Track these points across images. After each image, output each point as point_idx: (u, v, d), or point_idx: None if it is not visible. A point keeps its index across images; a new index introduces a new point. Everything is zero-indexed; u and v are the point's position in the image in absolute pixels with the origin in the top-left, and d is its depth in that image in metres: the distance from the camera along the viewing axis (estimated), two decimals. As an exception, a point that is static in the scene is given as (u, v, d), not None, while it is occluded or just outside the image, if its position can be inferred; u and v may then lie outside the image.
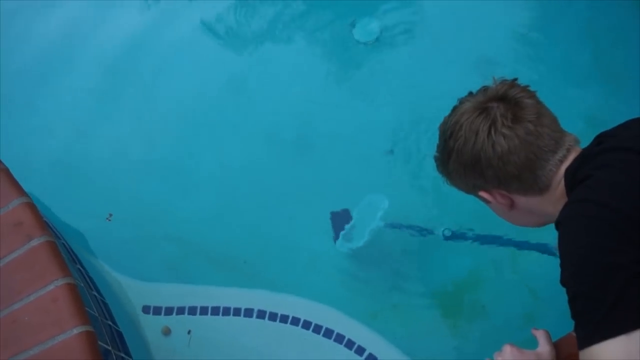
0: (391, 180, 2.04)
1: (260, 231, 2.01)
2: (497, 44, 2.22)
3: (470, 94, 1.15)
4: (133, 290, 1.94)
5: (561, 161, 1.06)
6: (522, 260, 1.87)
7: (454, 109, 1.15)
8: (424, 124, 2.08)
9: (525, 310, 1.79)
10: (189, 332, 1.87)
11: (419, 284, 1.89)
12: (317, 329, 1.84)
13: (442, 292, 1.88)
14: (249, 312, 1.88)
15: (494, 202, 1.15)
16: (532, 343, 1.12)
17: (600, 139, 1.05)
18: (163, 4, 2.46)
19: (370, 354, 1.79)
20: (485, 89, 1.13)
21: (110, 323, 1.75)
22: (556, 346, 1.11)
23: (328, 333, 1.83)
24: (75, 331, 1.23)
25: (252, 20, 2.39)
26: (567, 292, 0.93)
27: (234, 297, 1.90)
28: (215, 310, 1.89)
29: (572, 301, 0.92)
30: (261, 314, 1.88)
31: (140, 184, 2.12)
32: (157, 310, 1.90)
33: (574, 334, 1.05)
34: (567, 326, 1.03)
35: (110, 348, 1.53)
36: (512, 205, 1.15)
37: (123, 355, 1.66)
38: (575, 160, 1.05)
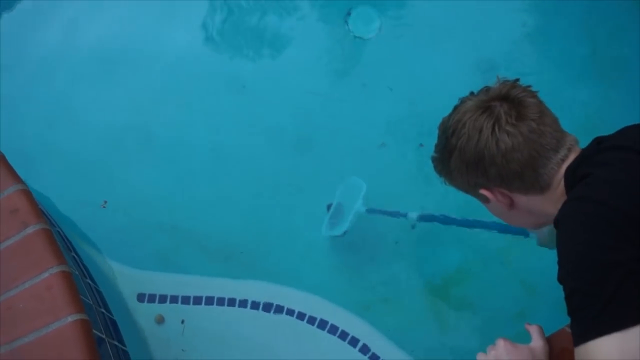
0: (384, 170, 2.05)
1: (255, 222, 2.02)
2: (496, 41, 2.22)
3: (472, 93, 1.16)
4: (127, 278, 1.94)
5: (563, 160, 1.07)
6: (514, 254, 1.89)
7: (455, 108, 1.15)
8: (419, 119, 2.09)
9: (518, 305, 1.81)
10: (182, 321, 1.87)
11: (413, 276, 1.91)
12: (312, 320, 1.85)
13: (434, 285, 1.90)
14: (243, 303, 1.89)
15: (494, 200, 1.16)
16: (525, 337, 1.13)
17: (600, 139, 1.07)
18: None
19: (364, 345, 1.81)
20: (487, 89, 1.13)
21: (104, 311, 1.75)
22: (549, 341, 1.12)
23: (322, 324, 1.84)
24: (70, 319, 1.23)
25: (250, 15, 2.37)
26: (564, 289, 0.93)
27: (229, 287, 1.91)
28: (210, 300, 1.90)
29: (569, 298, 0.92)
30: (255, 305, 1.88)
31: (136, 172, 2.11)
32: (151, 299, 1.91)
33: (567, 329, 1.07)
34: (560, 321, 1.05)
35: (104, 336, 1.53)
36: (511, 204, 1.16)
37: (117, 343, 1.66)
38: (576, 159, 1.06)
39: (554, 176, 1.08)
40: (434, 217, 1.87)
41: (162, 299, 1.91)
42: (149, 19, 2.36)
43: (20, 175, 1.42)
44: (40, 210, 1.36)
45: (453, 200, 1.83)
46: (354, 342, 1.82)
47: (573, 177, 1.04)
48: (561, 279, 0.94)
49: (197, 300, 1.90)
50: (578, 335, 0.90)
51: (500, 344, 1.11)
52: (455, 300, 1.87)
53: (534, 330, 1.13)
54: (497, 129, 1.07)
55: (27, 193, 1.37)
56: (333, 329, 1.83)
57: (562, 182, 1.07)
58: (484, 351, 1.14)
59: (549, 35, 2.24)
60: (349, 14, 2.32)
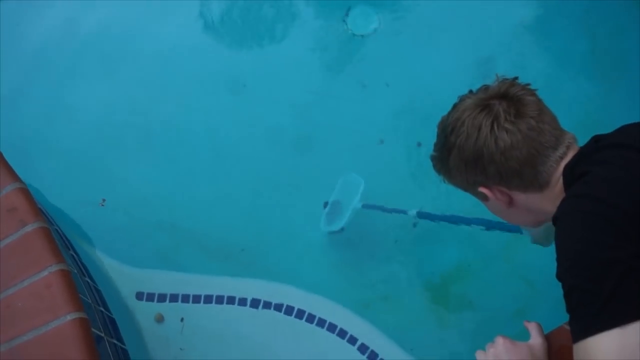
0: (383, 168, 2.05)
1: (254, 220, 2.02)
2: (495, 39, 2.22)
3: (471, 91, 1.16)
4: (126, 277, 1.93)
5: (561, 158, 1.08)
6: (514, 251, 1.89)
7: (455, 106, 1.16)
8: (417, 115, 2.09)
9: (518, 302, 1.81)
10: (181, 319, 1.87)
11: (412, 274, 1.91)
12: (311, 318, 1.85)
13: (434, 283, 1.89)
14: (242, 301, 1.89)
15: (493, 198, 1.16)
16: (524, 335, 1.13)
17: (598, 137, 1.07)
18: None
19: (362, 344, 1.81)
20: (486, 87, 1.14)
21: (103, 310, 1.75)
22: (548, 338, 1.12)
23: (321, 322, 1.84)
24: (69, 317, 1.23)
25: (248, 12, 2.37)
26: (563, 287, 0.93)
27: (228, 286, 1.91)
28: (209, 299, 1.90)
29: (568, 295, 0.92)
30: (255, 303, 1.88)
31: (135, 171, 2.11)
32: (150, 297, 1.91)
33: (566, 327, 1.06)
34: (560, 318, 1.04)
35: (102, 335, 1.53)
36: (510, 202, 1.16)
37: (115, 341, 1.66)
38: (574, 157, 1.06)
39: (552, 174, 1.08)
40: (433, 215, 1.87)
41: (162, 297, 1.91)
42: (149, 17, 2.36)
43: (19, 173, 1.42)
44: (38, 209, 1.36)
45: (453, 198, 1.84)
46: (352, 340, 1.82)
47: (571, 175, 1.04)
48: (560, 276, 0.94)
49: (197, 299, 1.90)
50: (577, 332, 0.90)
51: (499, 341, 1.11)
52: (454, 298, 1.87)
53: (532, 328, 1.13)
54: (496, 127, 1.07)
55: (26, 191, 1.37)
56: (331, 327, 1.83)
57: (561, 180, 1.07)
58: (483, 349, 1.14)
59: (549, 33, 2.23)
60: (347, 13, 2.32)
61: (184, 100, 2.22)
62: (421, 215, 1.88)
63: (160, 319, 1.87)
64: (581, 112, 2.04)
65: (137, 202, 2.05)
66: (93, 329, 1.30)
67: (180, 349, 1.84)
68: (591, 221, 0.93)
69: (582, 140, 1.10)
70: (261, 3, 2.37)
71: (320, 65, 2.26)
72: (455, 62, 2.18)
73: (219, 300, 1.89)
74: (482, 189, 1.15)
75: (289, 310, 1.86)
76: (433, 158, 1.23)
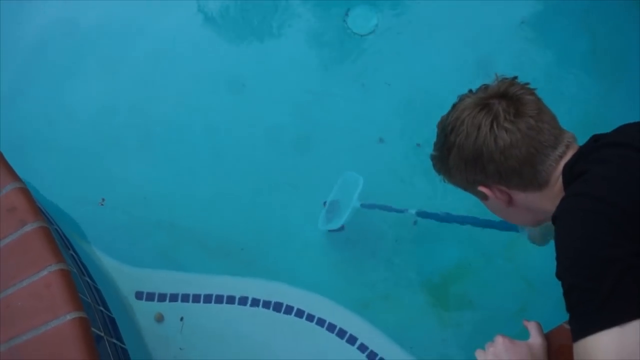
0: (383, 167, 2.05)
1: (253, 219, 2.02)
2: (494, 39, 2.22)
3: (470, 91, 1.16)
4: (126, 276, 1.94)
5: (560, 157, 1.08)
6: (514, 250, 1.89)
7: (454, 106, 1.16)
8: (417, 115, 2.09)
9: (518, 301, 1.81)
10: (181, 319, 1.87)
11: (412, 274, 1.91)
12: (310, 317, 1.85)
13: (434, 283, 1.89)
14: (242, 300, 1.89)
15: (492, 197, 1.16)
16: (524, 334, 1.13)
17: (597, 137, 1.07)
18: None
19: (362, 344, 1.81)
20: (485, 86, 1.14)
21: (103, 309, 1.75)
22: (548, 338, 1.12)
23: (320, 322, 1.84)
24: (69, 317, 1.23)
25: (248, 11, 2.37)
26: (563, 285, 0.93)
27: (228, 285, 1.91)
28: (209, 298, 1.90)
29: (567, 293, 0.92)
30: (254, 302, 1.88)
31: (134, 170, 2.11)
32: (150, 297, 1.91)
33: (565, 326, 1.06)
34: (561, 317, 1.04)
35: (102, 334, 1.53)
36: (510, 201, 1.16)
37: (115, 341, 1.66)
38: (573, 156, 1.07)
39: (552, 173, 1.08)
40: (433, 214, 1.87)
41: (161, 296, 1.91)
42: (148, 16, 2.35)
43: (18, 173, 1.41)
44: (38, 208, 1.36)
45: (452, 198, 1.84)
46: (352, 339, 1.82)
47: (571, 173, 1.04)
48: (559, 275, 0.94)
49: (196, 298, 1.90)
50: (577, 330, 0.90)
51: (499, 341, 1.11)
52: (454, 298, 1.87)
53: (532, 327, 1.13)
54: (495, 126, 1.07)
55: (25, 191, 1.37)
56: (331, 327, 1.84)
57: (560, 179, 1.07)
58: (483, 348, 1.14)
59: (549, 32, 2.23)
60: (347, 12, 2.32)
61: (184, 99, 2.21)
62: (421, 214, 1.88)
63: (160, 319, 1.87)
64: (581, 111, 2.04)
65: (137, 202, 2.05)
66: (93, 329, 1.30)
67: (180, 348, 1.84)
68: (590, 220, 0.93)
69: (582, 140, 1.10)
70: (262, 5, 2.37)
71: (320, 64, 2.25)
72: (454, 61, 2.18)
73: (219, 299, 1.89)
74: (481, 188, 1.15)
75: (288, 310, 1.86)
76: (433, 157, 1.23)
